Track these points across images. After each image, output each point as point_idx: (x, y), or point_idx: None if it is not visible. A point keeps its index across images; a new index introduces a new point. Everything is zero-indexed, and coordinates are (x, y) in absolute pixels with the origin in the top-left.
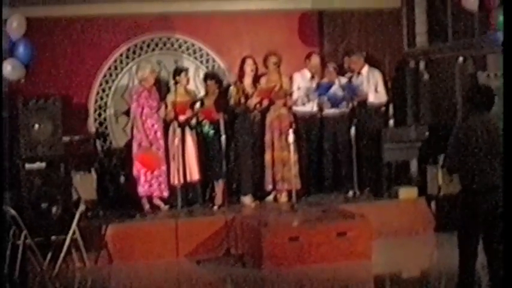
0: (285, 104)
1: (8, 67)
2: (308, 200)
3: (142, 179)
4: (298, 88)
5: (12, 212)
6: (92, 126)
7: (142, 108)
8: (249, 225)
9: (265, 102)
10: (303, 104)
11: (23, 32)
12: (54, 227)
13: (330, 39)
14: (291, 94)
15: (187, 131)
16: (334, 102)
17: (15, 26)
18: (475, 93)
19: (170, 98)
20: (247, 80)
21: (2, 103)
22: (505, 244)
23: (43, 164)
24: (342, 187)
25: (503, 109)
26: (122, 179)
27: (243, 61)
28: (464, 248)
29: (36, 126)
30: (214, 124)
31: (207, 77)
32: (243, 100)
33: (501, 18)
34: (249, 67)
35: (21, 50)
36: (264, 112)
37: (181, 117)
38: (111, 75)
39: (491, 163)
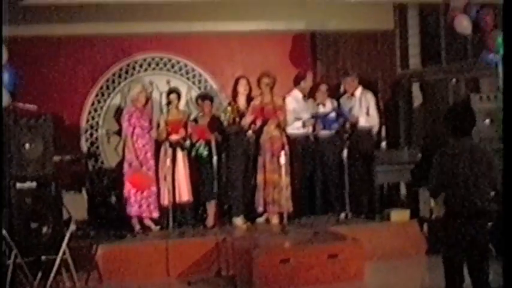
0: (278, 125)
1: None
2: (300, 222)
3: (132, 199)
4: (292, 110)
5: (3, 231)
6: (83, 146)
7: (134, 128)
8: (240, 247)
9: (259, 122)
10: (297, 128)
11: (5, 60)
12: (44, 246)
13: (323, 60)
14: (283, 109)
15: (179, 151)
16: (327, 125)
17: None
18: (455, 115)
19: (162, 117)
20: (241, 100)
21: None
22: (505, 248)
23: (34, 184)
24: (334, 209)
25: (503, 109)
26: (113, 199)
27: (237, 81)
28: (450, 272)
29: (27, 145)
30: (208, 145)
31: (202, 97)
32: (237, 119)
33: (500, 39)
34: (242, 87)
35: (5, 77)
36: (258, 134)
37: (174, 137)
38: (103, 94)
39: (476, 187)
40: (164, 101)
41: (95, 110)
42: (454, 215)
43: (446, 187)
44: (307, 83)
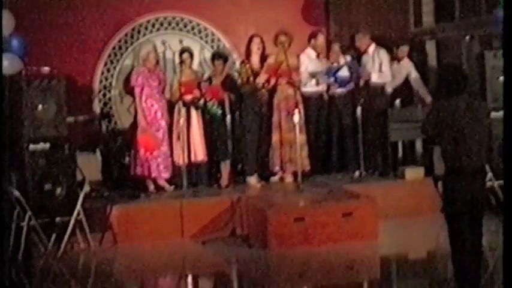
0: (292, 84)
1: (4, 62)
2: (314, 180)
3: (142, 159)
4: (306, 69)
5: (17, 193)
6: (96, 107)
7: (142, 88)
8: (255, 206)
9: (273, 81)
10: (311, 86)
11: (12, 27)
12: (58, 208)
13: (335, 18)
14: (298, 69)
15: (193, 111)
16: (341, 83)
17: (4, 23)
18: (450, 75)
19: (176, 77)
20: (255, 59)
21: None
22: (505, 240)
23: (47, 145)
24: (348, 167)
25: (503, 109)
26: (127, 159)
27: (250, 40)
28: (453, 229)
29: (40, 106)
30: (222, 104)
31: (215, 56)
32: (251, 78)
33: None
34: (255, 46)
35: (15, 44)
36: (272, 93)
37: (188, 97)
38: (115, 55)
39: (476, 144)
40: (177, 60)
41: (108, 71)
42: (453, 171)
43: (448, 143)
44: (319, 41)
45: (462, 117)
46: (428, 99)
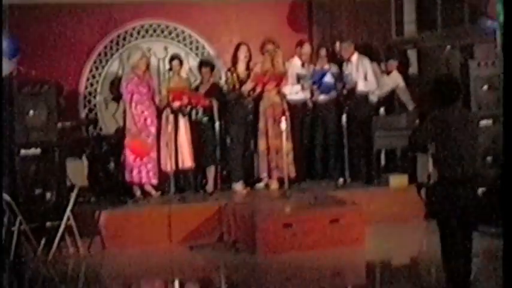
0: (278, 92)
1: None
2: (299, 187)
3: (131, 165)
4: (292, 76)
5: (7, 198)
6: (81, 113)
7: (132, 95)
8: (243, 212)
9: (259, 89)
10: (296, 93)
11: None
12: (48, 212)
13: (319, 27)
14: (285, 75)
15: (181, 117)
16: (326, 90)
17: None
18: (446, 84)
19: (164, 84)
20: (241, 67)
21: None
22: (505, 244)
23: (38, 150)
24: (332, 174)
25: (503, 108)
26: (112, 165)
27: (237, 48)
28: (445, 236)
29: (31, 112)
30: (208, 111)
31: (202, 64)
32: (237, 86)
33: (499, 6)
34: (242, 54)
35: (6, 45)
36: (257, 100)
37: (176, 104)
38: (101, 61)
39: (468, 153)
40: (162, 67)
41: (93, 77)
42: (446, 179)
43: (442, 152)
44: (305, 49)
45: (455, 126)
46: (411, 106)
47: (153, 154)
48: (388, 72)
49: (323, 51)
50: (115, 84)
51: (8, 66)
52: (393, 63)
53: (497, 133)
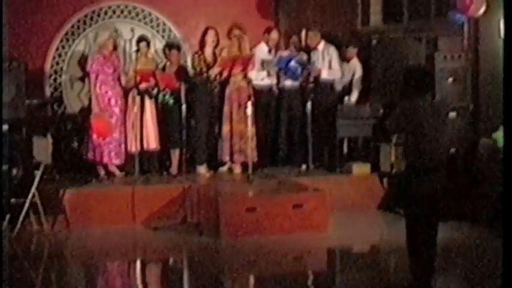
0: (244, 77)
1: None
2: (262, 172)
3: (93, 145)
4: (258, 62)
5: None
6: (47, 91)
7: (97, 75)
8: (206, 195)
9: (225, 74)
10: (262, 79)
11: None
12: (13, 189)
13: (286, 14)
14: (252, 60)
15: (147, 99)
16: (291, 75)
17: None
18: (417, 75)
19: (131, 65)
20: (208, 51)
21: None
22: (505, 244)
23: (5, 127)
24: (296, 161)
25: (503, 108)
26: (76, 144)
27: (205, 32)
28: (411, 226)
29: None
30: (175, 93)
31: (170, 46)
32: (204, 70)
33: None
34: (210, 38)
35: None
36: (223, 84)
37: (143, 85)
38: (67, 40)
39: (437, 143)
40: (128, 48)
41: (59, 56)
42: (413, 169)
43: (410, 141)
44: (273, 36)
45: (425, 117)
46: (354, 99)
47: (116, 135)
48: (348, 60)
49: (295, 38)
50: (81, 63)
51: None
52: (353, 51)
53: (461, 125)
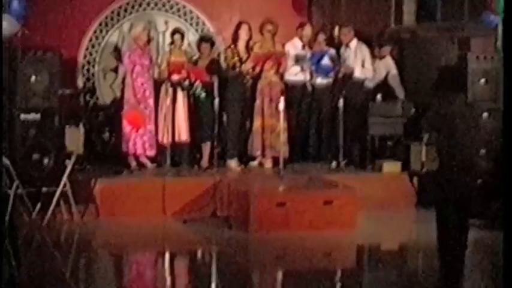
0: (276, 72)
1: (3, 23)
2: (293, 167)
3: (128, 136)
4: (291, 58)
5: (7, 161)
6: (80, 81)
7: (134, 66)
8: (237, 189)
9: (258, 69)
10: (295, 74)
11: None
12: (45, 178)
13: (319, 10)
14: (284, 56)
15: (179, 91)
16: (323, 72)
17: None
18: (449, 75)
19: (165, 57)
20: (241, 45)
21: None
22: (505, 242)
23: (38, 115)
24: (326, 157)
25: (503, 108)
26: (107, 135)
27: (238, 26)
28: (442, 225)
29: (33, 77)
30: (207, 87)
31: (202, 39)
32: (237, 64)
33: (501, 2)
34: (244, 32)
35: (14, 6)
36: (256, 79)
37: (175, 77)
38: (101, 31)
39: (470, 142)
40: (162, 41)
41: (93, 46)
42: (446, 169)
43: (444, 140)
44: (306, 31)
45: (459, 117)
46: (402, 94)
47: (150, 126)
48: (381, 58)
49: (321, 37)
50: (114, 55)
51: (13, 27)
52: (387, 49)
53: (493, 126)
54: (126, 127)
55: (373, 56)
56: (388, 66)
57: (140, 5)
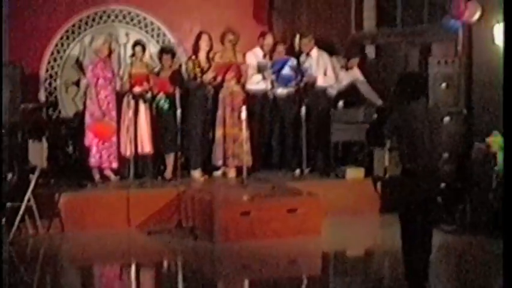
0: (238, 81)
1: None
2: (256, 176)
3: (93, 149)
4: (252, 67)
5: None
6: (42, 95)
7: (97, 79)
8: (201, 199)
9: (219, 78)
10: (257, 83)
11: None
12: (9, 193)
13: (280, 19)
14: (244, 66)
15: (141, 103)
16: (284, 81)
17: None
18: (410, 80)
19: (127, 69)
20: (202, 55)
21: None
22: (505, 244)
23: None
24: (290, 165)
25: (503, 107)
26: (70, 148)
27: (199, 36)
28: (406, 230)
29: None
30: (169, 98)
31: (163, 51)
32: (199, 75)
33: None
34: (204, 43)
35: None
36: (217, 88)
37: (137, 89)
38: (62, 44)
39: (432, 147)
40: (123, 53)
41: (54, 60)
42: (408, 173)
43: (405, 145)
44: (267, 41)
45: (420, 121)
46: (379, 102)
47: (114, 138)
48: (348, 69)
49: (280, 47)
50: (75, 68)
51: None
52: (354, 61)
53: (455, 130)
54: (92, 140)
55: (340, 66)
56: (355, 75)
57: (101, 18)
